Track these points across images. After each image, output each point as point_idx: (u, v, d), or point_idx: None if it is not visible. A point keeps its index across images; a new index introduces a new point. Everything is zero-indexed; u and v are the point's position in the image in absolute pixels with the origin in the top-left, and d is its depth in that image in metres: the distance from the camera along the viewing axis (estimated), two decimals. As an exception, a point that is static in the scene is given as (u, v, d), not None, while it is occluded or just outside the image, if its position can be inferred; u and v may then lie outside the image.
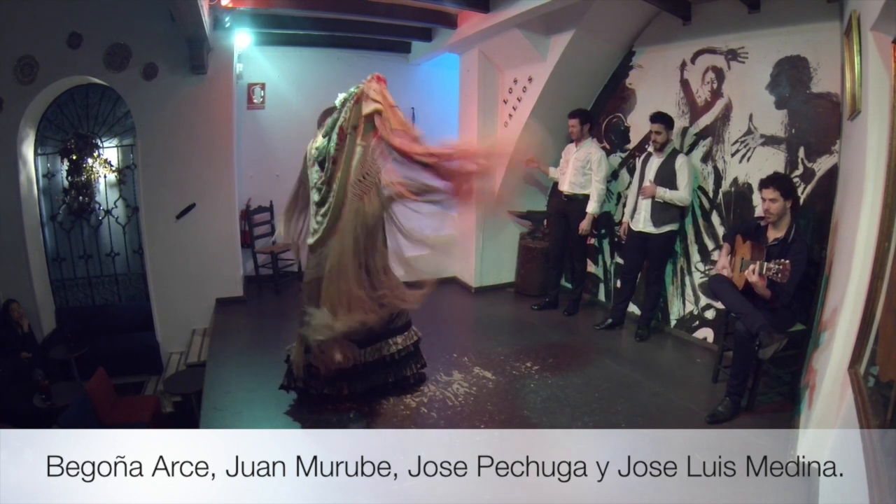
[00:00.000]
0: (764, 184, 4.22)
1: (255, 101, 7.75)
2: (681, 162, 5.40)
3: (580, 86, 6.55)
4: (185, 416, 5.57)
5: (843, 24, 3.89)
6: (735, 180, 5.20)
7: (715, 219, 5.42)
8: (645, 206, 5.63)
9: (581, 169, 6.22)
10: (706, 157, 5.44)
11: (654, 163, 5.58)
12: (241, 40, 6.93)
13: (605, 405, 4.50)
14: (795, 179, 4.60)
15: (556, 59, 6.10)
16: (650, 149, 5.69)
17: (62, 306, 7.50)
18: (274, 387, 4.52)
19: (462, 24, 6.69)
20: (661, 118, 5.46)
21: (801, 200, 4.59)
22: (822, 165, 4.53)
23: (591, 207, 6.15)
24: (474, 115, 7.26)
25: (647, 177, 5.62)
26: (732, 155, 5.20)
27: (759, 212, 4.74)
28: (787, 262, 3.69)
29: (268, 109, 7.78)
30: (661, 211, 5.53)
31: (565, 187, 6.38)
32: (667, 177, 5.46)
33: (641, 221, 5.68)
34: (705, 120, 5.43)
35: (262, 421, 4.30)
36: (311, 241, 4.23)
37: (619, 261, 6.60)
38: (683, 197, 5.38)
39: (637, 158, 6.00)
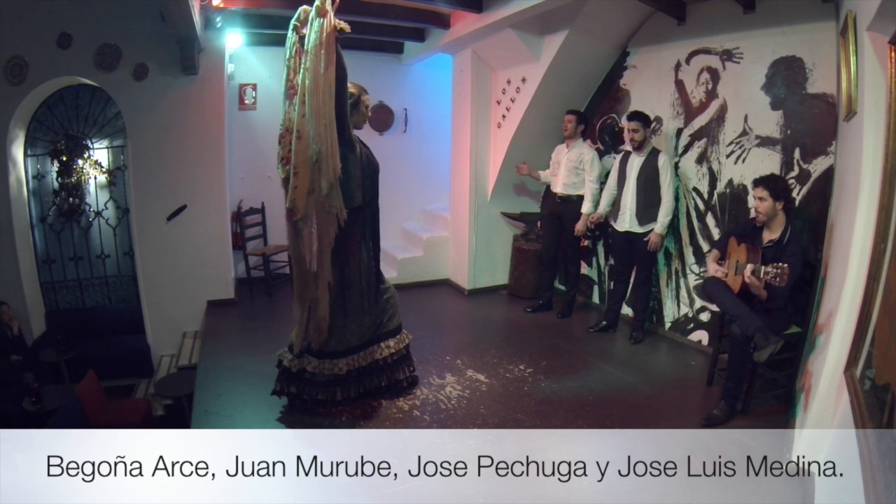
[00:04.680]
0: (755, 182, 4.25)
1: (246, 101, 7.71)
2: (663, 161, 5.43)
3: (574, 86, 6.53)
4: (176, 419, 5.52)
5: (838, 24, 3.87)
6: (730, 182, 5.17)
7: (710, 220, 5.40)
8: (630, 205, 5.63)
9: (574, 170, 6.20)
10: (701, 159, 5.42)
11: (636, 162, 5.59)
12: (233, 40, 6.90)
13: (600, 408, 4.47)
14: (791, 181, 4.58)
15: (549, 60, 6.08)
16: (628, 147, 5.69)
17: (52, 309, 7.45)
18: (266, 390, 4.47)
19: (455, 24, 6.66)
20: (637, 116, 5.49)
21: (797, 202, 4.57)
22: (817, 167, 4.51)
23: (586, 208, 6.14)
24: (467, 116, 7.23)
25: (629, 176, 5.62)
26: (727, 156, 5.17)
27: (753, 214, 4.75)
28: (786, 265, 3.66)
29: (259, 110, 7.74)
30: (646, 209, 5.54)
31: (558, 189, 6.36)
32: (650, 176, 5.48)
33: (627, 221, 5.68)
34: (700, 121, 5.40)
35: (254, 424, 4.25)
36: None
37: (613, 262, 6.57)
38: (669, 200, 5.42)
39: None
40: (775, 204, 4.10)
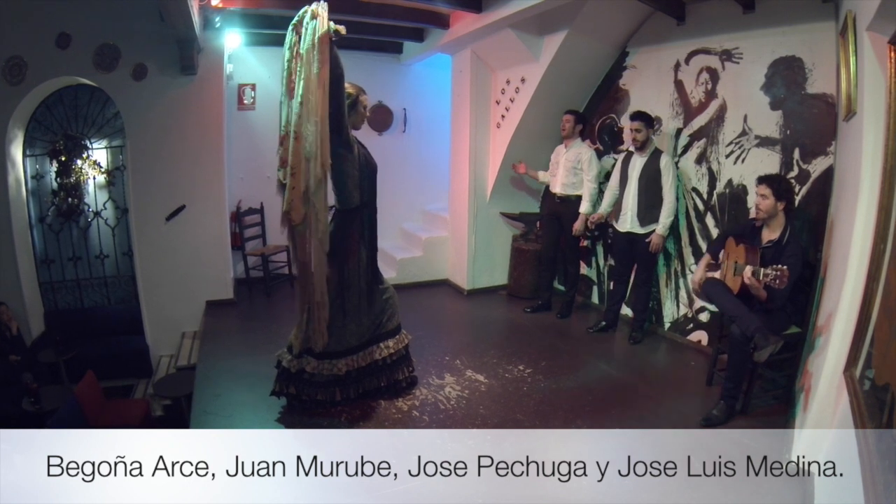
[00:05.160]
0: (759, 180, 4.25)
1: (245, 101, 7.71)
2: (665, 162, 5.42)
3: (573, 86, 6.53)
4: (175, 419, 5.51)
5: (838, 24, 3.87)
6: (729, 182, 5.17)
7: (709, 220, 5.39)
8: (631, 206, 5.63)
9: (572, 170, 6.20)
10: (700, 159, 5.42)
11: (638, 162, 5.58)
12: (232, 40, 6.91)
13: (599, 408, 4.47)
14: (790, 181, 4.57)
15: (548, 60, 6.08)
16: (630, 148, 5.69)
17: (51, 309, 7.44)
18: (264, 390, 4.47)
19: (454, 24, 6.66)
20: (640, 116, 5.49)
21: (797, 202, 4.56)
22: (817, 167, 4.50)
23: (584, 208, 6.14)
24: (466, 117, 7.23)
25: (631, 176, 5.62)
26: (727, 156, 5.17)
27: (753, 214, 4.74)
28: (785, 267, 3.66)
29: (258, 110, 7.74)
30: (648, 210, 5.53)
31: (557, 189, 6.36)
32: (652, 177, 5.47)
33: (628, 222, 5.68)
34: (699, 121, 5.40)
35: (253, 425, 4.25)
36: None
37: (613, 262, 6.56)
38: (671, 201, 5.41)
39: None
40: (777, 203, 4.09)
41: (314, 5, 3.78)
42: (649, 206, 5.52)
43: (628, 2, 5.23)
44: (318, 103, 3.77)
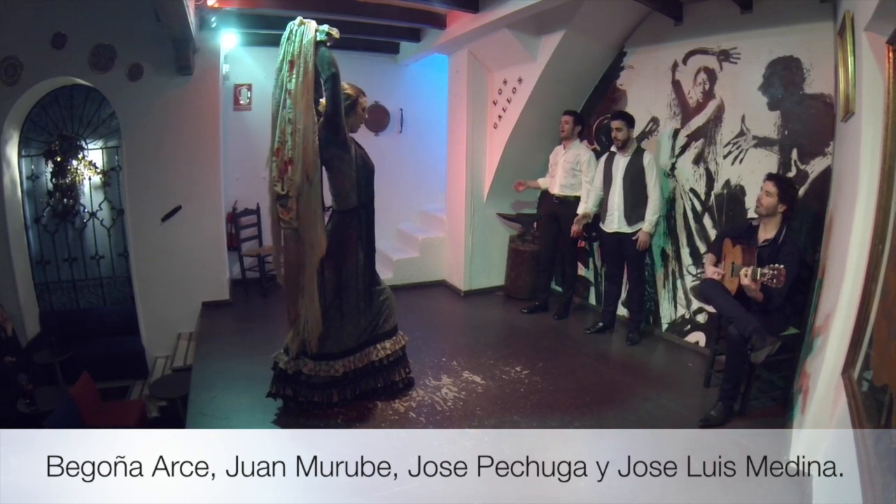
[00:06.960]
0: (769, 175, 4.23)
1: (241, 102, 7.70)
2: (648, 160, 5.47)
3: (571, 87, 6.52)
4: (171, 420, 5.50)
5: (836, 24, 3.87)
6: (727, 182, 5.16)
7: (707, 221, 5.39)
8: (617, 205, 5.64)
9: (571, 171, 6.20)
10: (698, 159, 5.41)
11: (621, 162, 5.61)
12: (228, 41, 6.89)
13: (596, 410, 4.46)
14: (797, 188, 4.56)
15: (546, 60, 6.07)
16: (612, 148, 5.73)
17: (46, 310, 7.41)
18: (261, 391, 4.46)
19: (451, 24, 6.65)
20: (620, 116, 5.55)
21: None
22: (815, 167, 4.50)
23: (582, 208, 6.12)
24: (463, 117, 7.23)
25: (615, 176, 5.64)
26: (724, 157, 5.17)
27: (751, 214, 4.73)
28: (782, 266, 3.65)
29: (254, 110, 7.71)
30: (634, 209, 5.56)
31: (556, 190, 6.35)
32: (636, 175, 5.50)
33: (615, 222, 5.69)
34: (697, 121, 5.40)
35: (250, 426, 4.23)
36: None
37: (605, 264, 6.56)
38: (656, 199, 5.45)
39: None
40: (779, 204, 4.08)
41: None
42: (635, 205, 5.54)
43: (626, 2, 5.22)
44: (302, 111, 3.81)
